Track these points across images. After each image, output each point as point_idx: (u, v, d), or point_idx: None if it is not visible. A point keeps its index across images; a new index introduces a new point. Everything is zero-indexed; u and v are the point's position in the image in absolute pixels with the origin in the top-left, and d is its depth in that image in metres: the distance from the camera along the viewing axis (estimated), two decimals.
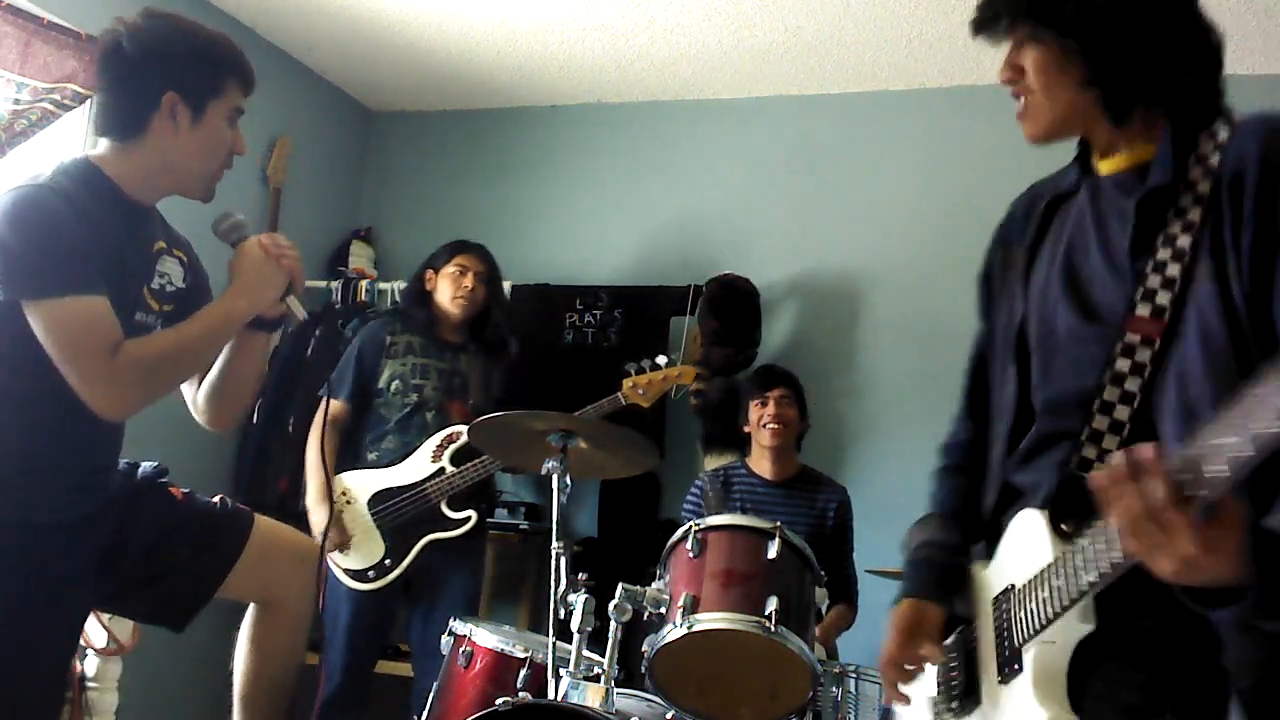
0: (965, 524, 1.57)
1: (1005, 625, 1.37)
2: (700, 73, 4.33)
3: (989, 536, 1.53)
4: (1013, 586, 1.39)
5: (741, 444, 3.67)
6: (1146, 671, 1.27)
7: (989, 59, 1.60)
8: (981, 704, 1.42)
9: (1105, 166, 1.44)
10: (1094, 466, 1.30)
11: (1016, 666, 1.32)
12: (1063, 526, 1.32)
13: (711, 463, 3.81)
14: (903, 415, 3.93)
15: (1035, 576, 1.32)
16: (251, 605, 2.33)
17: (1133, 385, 1.29)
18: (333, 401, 3.41)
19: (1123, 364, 1.30)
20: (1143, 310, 1.29)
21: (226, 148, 2.05)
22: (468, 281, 3.45)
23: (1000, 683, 1.36)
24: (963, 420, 1.66)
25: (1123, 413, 1.30)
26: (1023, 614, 1.33)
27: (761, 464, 3.49)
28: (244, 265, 2.01)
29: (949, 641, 1.54)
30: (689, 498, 3.51)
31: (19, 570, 1.90)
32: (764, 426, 3.42)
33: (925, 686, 1.58)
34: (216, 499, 2.30)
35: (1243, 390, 0.97)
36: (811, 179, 4.33)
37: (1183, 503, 1.02)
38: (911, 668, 1.52)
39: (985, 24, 1.45)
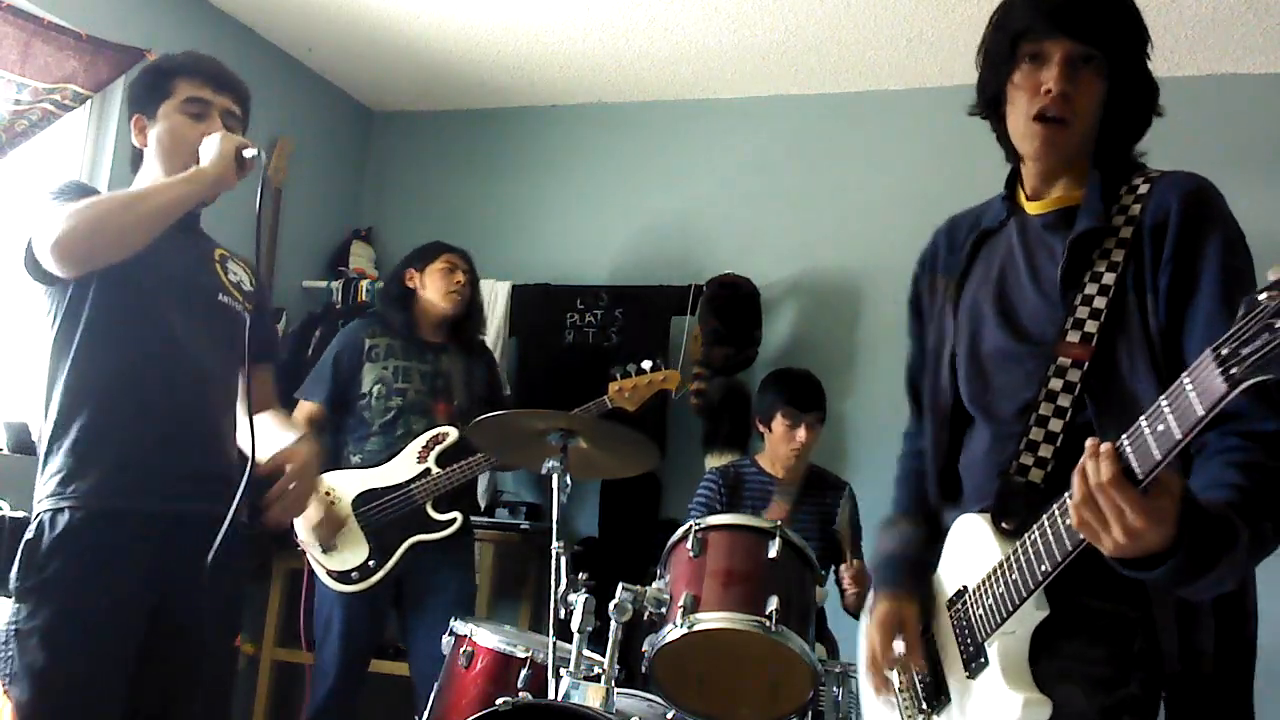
0: (932, 523, 1.66)
1: (965, 624, 1.47)
2: (700, 73, 4.33)
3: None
4: (965, 588, 1.48)
5: (743, 443, 3.65)
6: (1104, 645, 1.37)
7: None
8: (952, 701, 1.50)
9: (1033, 207, 1.57)
10: (1030, 472, 1.44)
11: (983, 660, 1.43)
12: (1004, 525, 1.44)
13: (713, 461, 3.81)
14: (903, 415, 3.88)
15: (989, 575, 1.42)
16: None
17: (1064, 401, 1.43)
18: (308, 404, 3.42)
19: (1055, 383, 1.44)
20: (1073, 336, 1.43)
21: (189, 139, 2.05)
22: (459, 278, 3.45)
23: (968, 677, 1.45)
24: (917, 432, 1.79)
25: (1056, 425, 1.44)
26: (981, 611, 1.43)
27: (773, 463, 3.48)
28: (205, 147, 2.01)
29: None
30: (701, 491, 3.48)
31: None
32: (792, 449, 3.37)
33: (890, 696, 1.64)
34: None
35: (1172, 385, 1.12)
36: (811, 179, 4.33)
37: (1127, 480, 1.15)
38: (894, 662, 1.58)
39: (1078, 31, 1.44)
